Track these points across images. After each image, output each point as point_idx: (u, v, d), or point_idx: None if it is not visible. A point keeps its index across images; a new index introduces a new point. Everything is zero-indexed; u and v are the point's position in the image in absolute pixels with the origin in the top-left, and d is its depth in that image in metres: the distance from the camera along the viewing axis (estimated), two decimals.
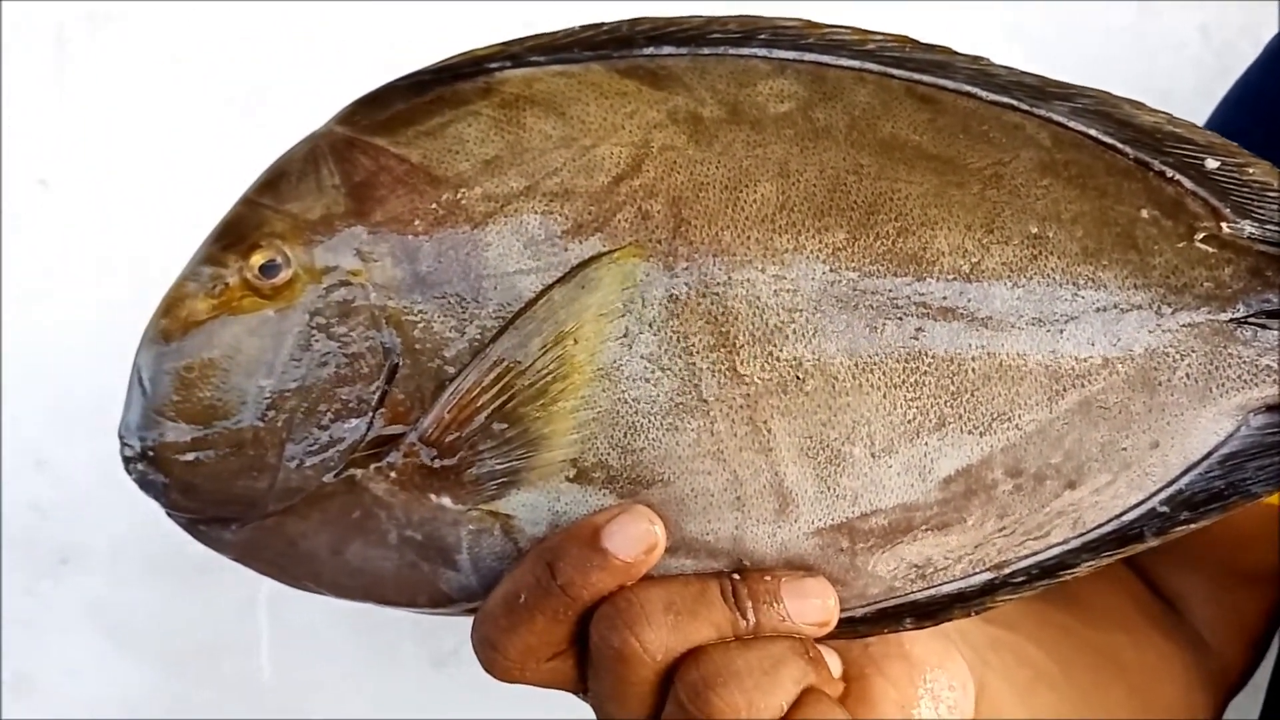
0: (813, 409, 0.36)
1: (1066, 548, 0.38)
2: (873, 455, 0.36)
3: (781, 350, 0.36)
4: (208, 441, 0.38)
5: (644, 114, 0.37)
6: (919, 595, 0.38)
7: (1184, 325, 0.37)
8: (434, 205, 0.37)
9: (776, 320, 0.36)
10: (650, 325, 0.36)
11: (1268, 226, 0.37)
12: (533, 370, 0.36)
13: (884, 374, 0.36)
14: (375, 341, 0.37)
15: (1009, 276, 0.36)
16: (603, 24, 0.39)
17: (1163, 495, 0.37)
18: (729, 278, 0.36)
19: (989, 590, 0.38)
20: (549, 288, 0.36)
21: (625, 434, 0.36)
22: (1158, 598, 0.60)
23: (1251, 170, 0.37)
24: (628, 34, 0.38)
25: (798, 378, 0.36)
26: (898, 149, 0.37)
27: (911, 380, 0.36)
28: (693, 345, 0.36)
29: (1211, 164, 0.37)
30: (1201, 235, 0.37)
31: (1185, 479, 0.37)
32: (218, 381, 0.38)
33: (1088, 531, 0.38)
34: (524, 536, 0.37)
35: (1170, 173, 0.38)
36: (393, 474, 0.37)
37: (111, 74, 0.78)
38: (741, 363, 0.36)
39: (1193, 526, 0.37)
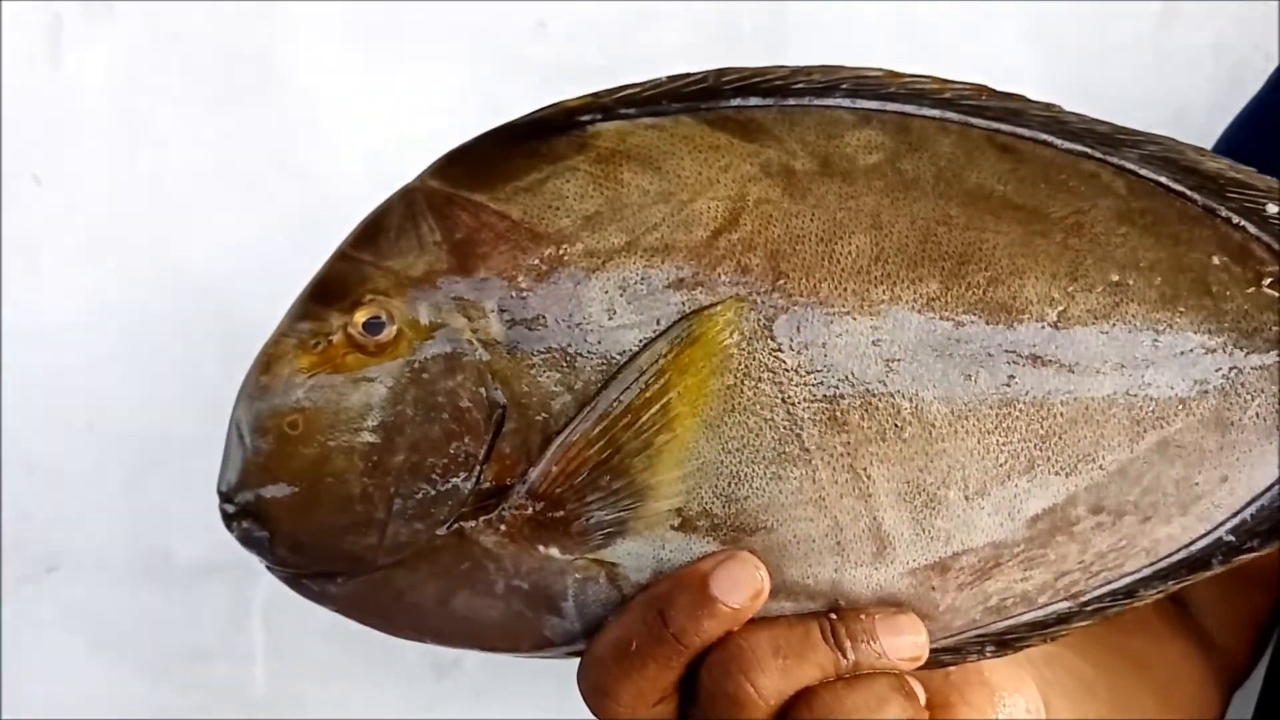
0: (910, 455, 0.37)
1: (1139, 576, 0.39)
2: (966, 498, 0.37)
3: (888, 398, 0.37)
4: (314, 499, 0.38)
5: (738, 167, 0.38)
6: (1000, 625, 0.39)
7: (1255, 368, 0.38)
8: (536, 261, 0.37)
9: (875, 370, 0.37)
10: (752, 377, 0.37)
11: None
12: (638, 423, 0.36)
13: (978, 420, 0.37)
14: (481, 397, 0.37)
15: (1093, 323, 0.38)
16: (689, 74, 0.39)
17: (1230, 525, 0.39)
18: (828, 329, 0.37)
19: (1065, 619, 0.39)
20: (652, 341, 0.37)
21: (729, 483, 0.37)
22: (1170, 599, 0.61)
23: None
24: (714, 85, 0.39)
25: (896, 425, 0.37)
26: (983, 199, 0.38)
27: (1004, 425, 0.37)
28: (794, 395, 0.37)
29: (1272, 209, 0.39)
30: (1269, 280, 0.39)
31: (1251, 509, 0.39)
32: (323, 438, 0.38)
33: (1159, 560, 0.39)
34: (629, 584, 0.38)
35: (1236, 219, 0.39)
36: (502, 527, 0.37)
37: (108, 67, 0.76)
38: (843, 411, 0.37)
39: (1258, 553, 0.39)
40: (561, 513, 0.37)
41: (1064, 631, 0.39)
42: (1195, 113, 0.69)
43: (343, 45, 0.76)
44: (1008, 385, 0.37)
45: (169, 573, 0.78)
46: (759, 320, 0.37)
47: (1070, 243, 0.38)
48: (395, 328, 0.37)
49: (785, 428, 0.37)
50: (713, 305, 0.37)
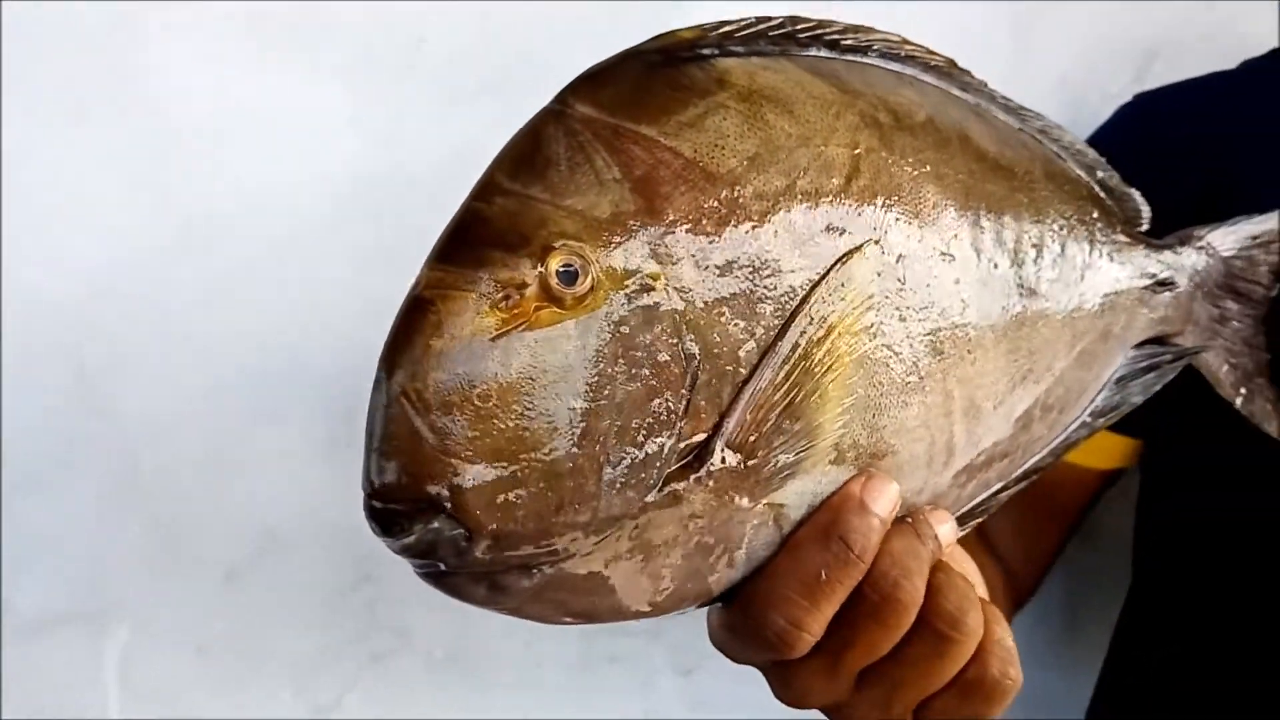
0: (974, 375, 0.42)
1: (1041, 456, 0.48)
2: (994, 408, 0.43)
3: (963, 327, 0.42)
4: (517, 479, 0.33)
5: (845, 117, 0.40)
6: (966, 507, 0.45)
7: (1128, 290, 0.49)
8: (716, 204, 0.36)
9: (958, 302, 0.41)
10: (888, 315, 0.39)
11: (1140, 226, 0.50)
12: (811, 366, 0.37)
13: (1008, 342, 0.43)
14: (678, 348, 0.35)
15: (1056, 261, 0.45)
16: (768, 17, 0.40)
17: (1090, 409, 0.49)
18: (928, 268, 0.40)
19: (1000, 493, 0.46)
20: (815, 285, 0.37)
21: (874, 415, 0.39)
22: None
23: (1128, 189, 0.50)
24: (790, 31, 0.40)
25: (969, 350, 0.42)
26: (983, 159, 0.44)
27: (1017, 345, 0.44)
28: (913, 330, 0.40)
29: (1100, 173, 0.49)
30: (1120, 229, 0.49)
31: (1100, 397, 0.49)
32: (521, 408, 0.33)
33: (1054, 441, 0.48)
34: (788, 522, 0.38)
35: (1096, 186, 0.49)
36: (711, 482, 0.36)
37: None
38: (941, 341, 0.41)
39: (1101, 428, 0.49)
40: (755, 460, 0.36)
41: (994, 507, 0.46)
42: None
43: (211, 59, 0.71)
44: (1020, 312, 0.44)
45: (12, 625, 0.71)
46: (889, 261, 0.39)
47: (1033, 196, 0.45)
48: (590, 277, 0.34)
49: (909, 359, 0.40)
50: (860, 247, 0.38)
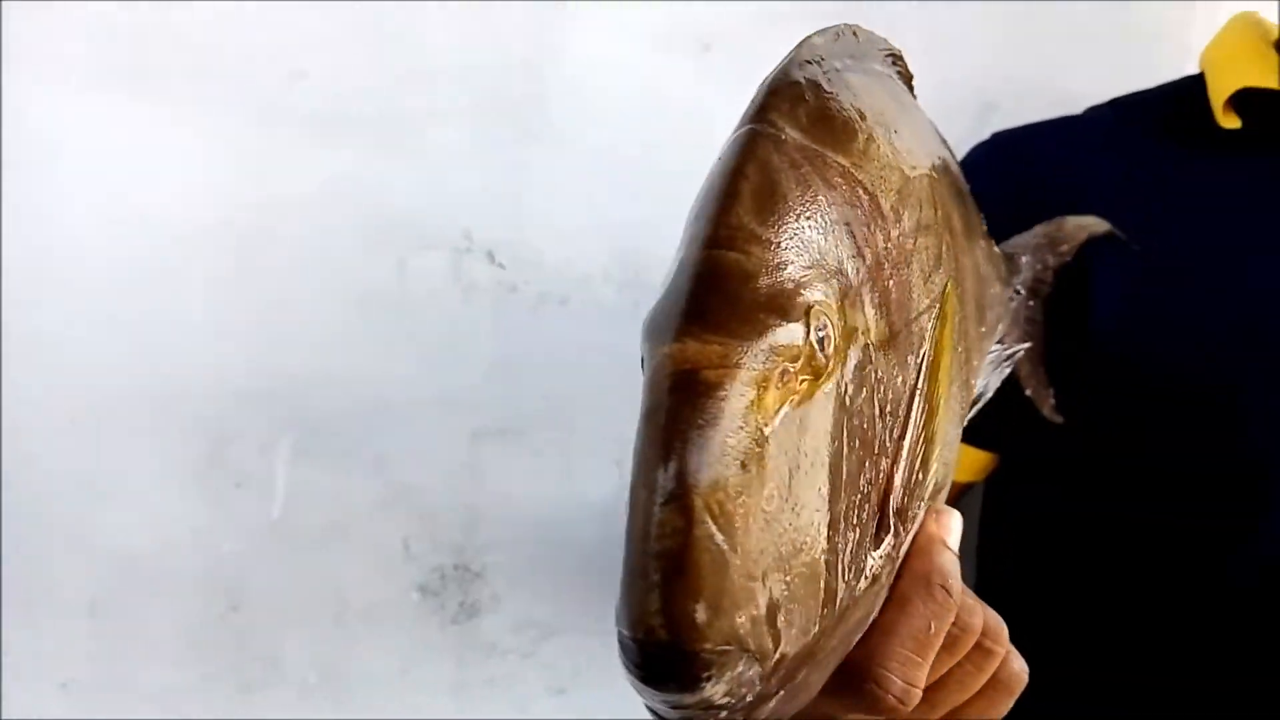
0: (981, 348, 0.43)
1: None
2: (978, 367, 0.44)
3: (973, 317, 0.42)
4: (792, 591, 0.27)
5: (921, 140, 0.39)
6: None
7: (1003, 297, 0.50)
8: (887, 244, 0.32)
9: (974, 305, 0.42)
10: (958, 347, 0.38)
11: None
12: (933, 409, 0.34)
13: (982, 317, 0.44)
14: (874, 411, 0.31)
15: (985, 260, 0.47)
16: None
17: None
18: (966, 279, 0.41)
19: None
20: (933, 325, 0.35)
21: (949, 450, 0.37)
22: None
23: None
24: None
25: (977, 330, 0.43)
26: (936, 171, 0.42)
27: (985, 317, 0.44)
28: (963, 360, 0.40)
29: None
30: (993, 245, 0.50)
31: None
32: (793, 504, 0.27)
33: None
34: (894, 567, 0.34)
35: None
36: (889, 552, 0.32)
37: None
38: (967, 348, 0.41)
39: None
40: (907, 512, 0.33)
41: None
42: None
43: (86, 88, 0.70)
44: (984, 294, 0.45)
45: None
46: (958, 294, 0.38)
47: (964, 207, 0.45)
48: (833, 340, 0.29)
49: (962, 378, 0.39)
50: (948, 281, 0.36)
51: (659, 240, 0.76)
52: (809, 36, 0.33)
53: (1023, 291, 0.53)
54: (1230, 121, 0.64)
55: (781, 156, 0.30)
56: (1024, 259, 0.55)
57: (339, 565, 0.75)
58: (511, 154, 0.74)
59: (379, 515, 0.75)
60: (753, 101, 0.31)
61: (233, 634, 0.74)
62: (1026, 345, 0.53)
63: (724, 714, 0.27)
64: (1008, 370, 0.48)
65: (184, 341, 0.71)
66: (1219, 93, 0.64)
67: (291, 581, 0.74)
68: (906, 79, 0.42)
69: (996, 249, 0.50)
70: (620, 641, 0.27)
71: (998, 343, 0.50)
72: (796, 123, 0.31)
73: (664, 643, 0.25)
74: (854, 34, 0.36)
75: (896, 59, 0.40)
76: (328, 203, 0.74)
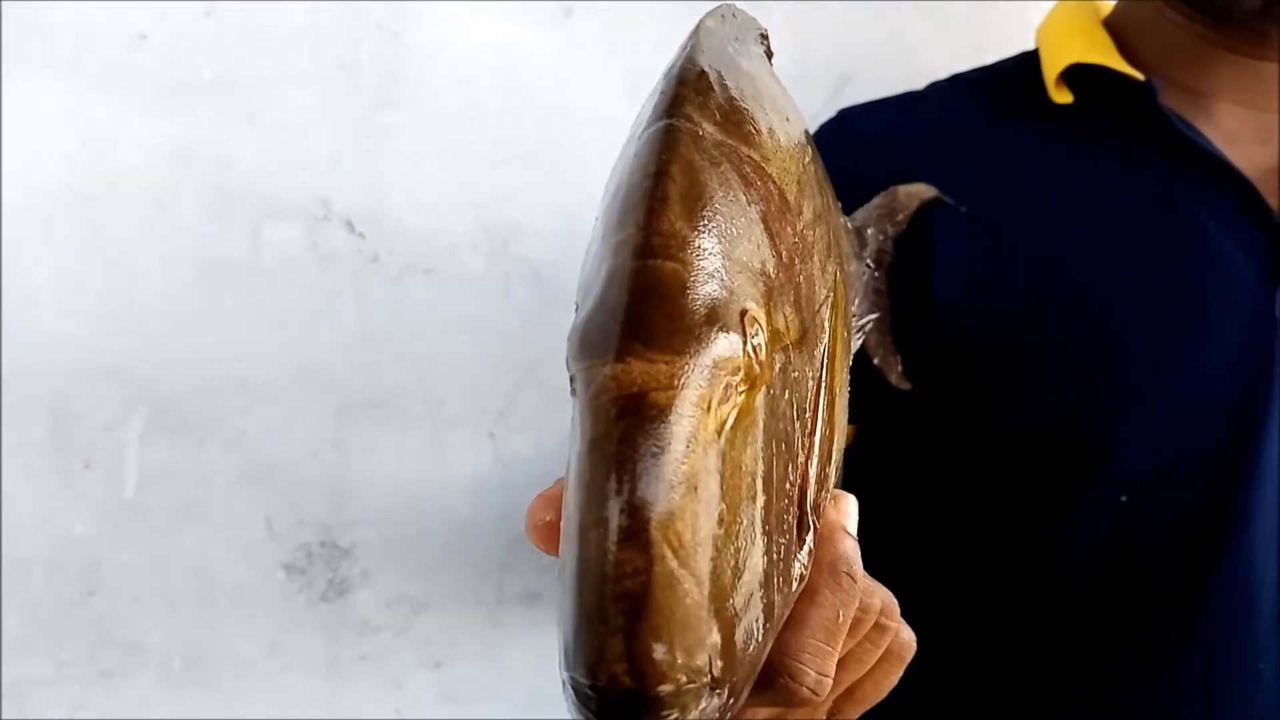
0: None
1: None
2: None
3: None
4: (744, 610, 0.26)
5: (797, 125, 0.38)
6: None
7: (859, 271, 0.52)
8: (796, 239, 0.31)
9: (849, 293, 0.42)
10: (844, 332, 0.39)
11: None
12: (835, 398, 0.33)
13: (853, 294, 0.45)
14: (792, 411, 0.29)
15: (849, 247, 0.47)
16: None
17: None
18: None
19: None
20: (829, 315, 0.35)
21: (841, 435, 0.37)
22: None
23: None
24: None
25: (850, 334, 0.42)
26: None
27: (853, 297, 0.44)
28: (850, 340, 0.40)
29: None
30: (846, 220, 0.52)
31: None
32: (740, 522, 0.26)
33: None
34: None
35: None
36: (810, 548, 0.31)
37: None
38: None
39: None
40: (820, 506, 0.32)
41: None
42: None
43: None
44: (850, 273, 0.44)
45: None
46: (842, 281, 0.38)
47: (830, 187, 0.44)
48: (764, 346, 0.27)
49: (848, 361, 0.39)
50: (836, 271, 0.35)
51: (524, 210, 0.76)
52: (703, 20, 0.32)
53: (871, 264, 0.54)
54: (1062, 96, 0.67)
55: (702, 155, 0.28)
56: (869, 231, 0.55)
57: (199, 545, 0.73)
58: (367, 120, 0.73)
59: (239, 493, 0.73)
60: (661, 93, 0.29)
61: (89, 620, 0.71)
62: (875, 316, 0.53)
63: None
64: (859, 342, 0.48)
65: (26, 315, 0.68)
66: (1051, 68, 0.67)
67: (150, 563, 0.72)
68: (769, 58, 0.42)
69: (849, 224, 0.51)
70: (574, 688, 0.25)
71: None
72: (710, 117, 0.29)
73: (628, 690, 0.24)
74: (734, 14, 0.35)
75: (764, 37, 0.39)
76: (174, 170, 0.71)
